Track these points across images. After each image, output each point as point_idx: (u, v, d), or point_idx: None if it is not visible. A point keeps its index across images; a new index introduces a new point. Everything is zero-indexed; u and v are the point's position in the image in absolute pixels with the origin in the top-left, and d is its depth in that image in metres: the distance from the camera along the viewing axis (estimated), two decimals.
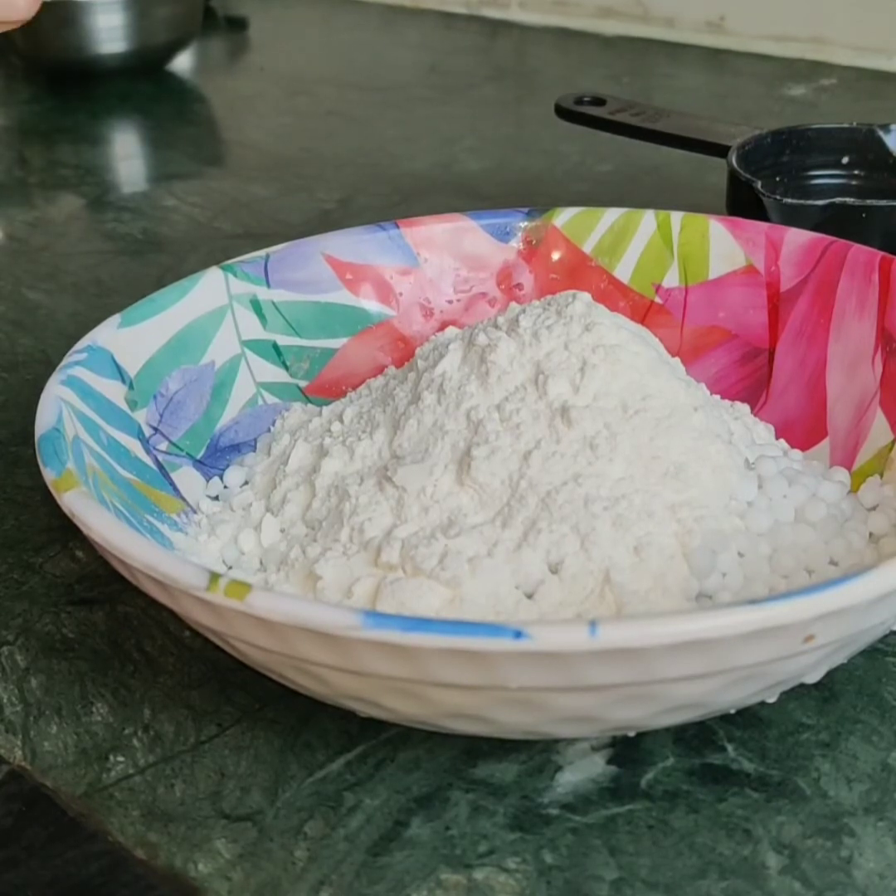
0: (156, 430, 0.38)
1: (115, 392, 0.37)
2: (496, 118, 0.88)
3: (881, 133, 0.56)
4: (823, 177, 0.57)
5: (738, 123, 0.58)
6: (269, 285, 0.43)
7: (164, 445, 0.38)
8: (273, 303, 0.43)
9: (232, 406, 0.42)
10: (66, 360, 0.37)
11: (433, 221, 0.46)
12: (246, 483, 0.40)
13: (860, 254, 0.41)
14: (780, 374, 0.42)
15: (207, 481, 0.40)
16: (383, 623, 0.25)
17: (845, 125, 0.57)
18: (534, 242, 0.46)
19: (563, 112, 0.62)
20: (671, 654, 0.25)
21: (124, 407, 0.38)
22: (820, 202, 0.48)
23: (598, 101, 0.62)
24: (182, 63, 1.03)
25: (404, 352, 0.44)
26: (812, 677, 0.30)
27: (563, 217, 0.46)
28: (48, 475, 0.31)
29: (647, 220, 0.45)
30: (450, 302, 0.45)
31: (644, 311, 0.44)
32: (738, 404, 0.41)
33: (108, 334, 0.38)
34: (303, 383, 0.44)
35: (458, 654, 0.25)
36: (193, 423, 0.40)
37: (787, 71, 0.93)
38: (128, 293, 0.57)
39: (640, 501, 0.33)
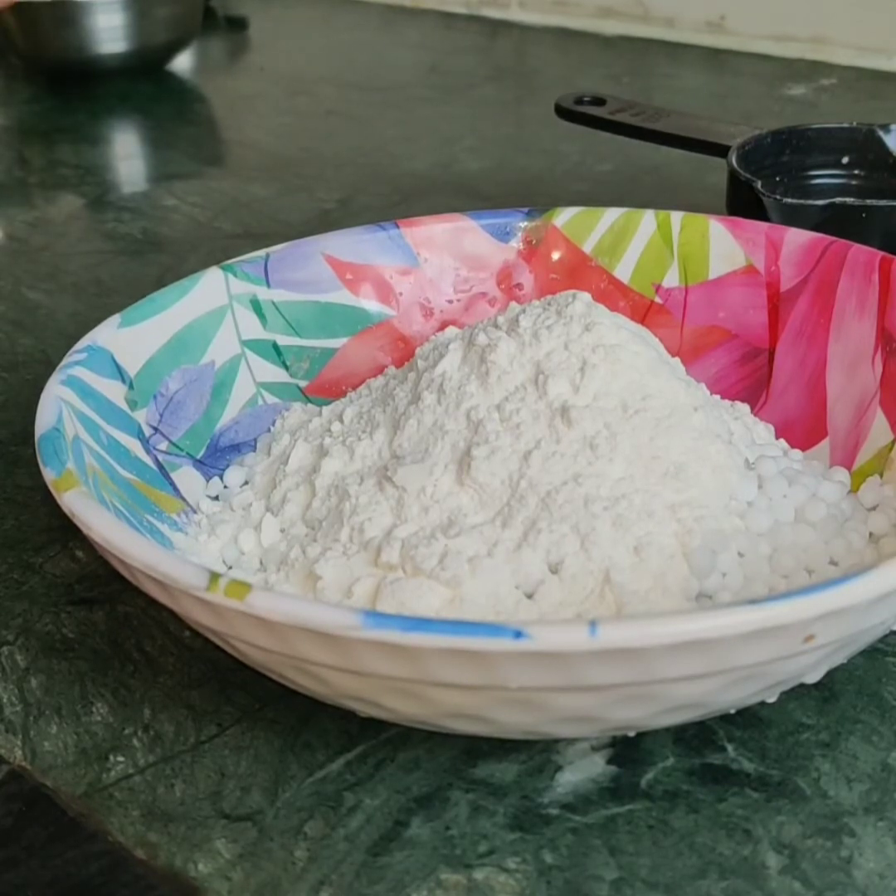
0: (156, 429, 0.38)
1: (115, 392, 0.37)
2: (496, 118, 0.88)
3: (881, 133, 0.56)
4: (823, 177, 0.57)
5: (738, 123, 0.58)
6: (269, 285, 0.43)
7: (164, 445, 0.38)
8: (273, 303, 0.43)
9: (232, 406, 0.42)
10: (66, 360, 0.37)
11: (433, 221, 0.46)
12: (246, 483, 0.40)
13: (860, 254, 0.41)
14: (780, 374, 0.42)
15: (207, 481, 0.40)
16: (383, 623, 0.25)
17: (845, 125, 0.57)
18: (534, 242, 0.46)
19: (563, 112, 0.63)
20: (671, 654, 0.25)
21: (124, 407, 0.38)
22: (820, 202, 0.48)
23: (598, 101, 0.62)
24: (182, 63, 1.03)
25: (404, 352, 0.44)
26: (812, 677, 0.30)
27: (563, 217, 0.46)
28: (48, 475, 0.31)
29: (647, 220, 0.45)
30: (450, 302, 0.46)
31: (644, 311, 0.44)
32: (738, 404, 0.41)
33: (108, 334, 0.38)
34: (303, 383, 0.44)
35: (458, 654, 0.25)
36: (193, 422, 0.40)
37: (787, 71, 0.93)
38: (128, 293, 0.57)
39: (640, 501, 0.33)
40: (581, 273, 0.45)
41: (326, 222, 0.67)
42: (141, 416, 0.38)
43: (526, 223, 0.46)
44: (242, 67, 1.11)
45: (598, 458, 0.33)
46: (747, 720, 0.32)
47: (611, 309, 0.38)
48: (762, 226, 0.44)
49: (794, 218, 0.46)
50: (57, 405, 0.34)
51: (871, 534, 0.35)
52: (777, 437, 0.40)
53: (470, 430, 0.35)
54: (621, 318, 0.38)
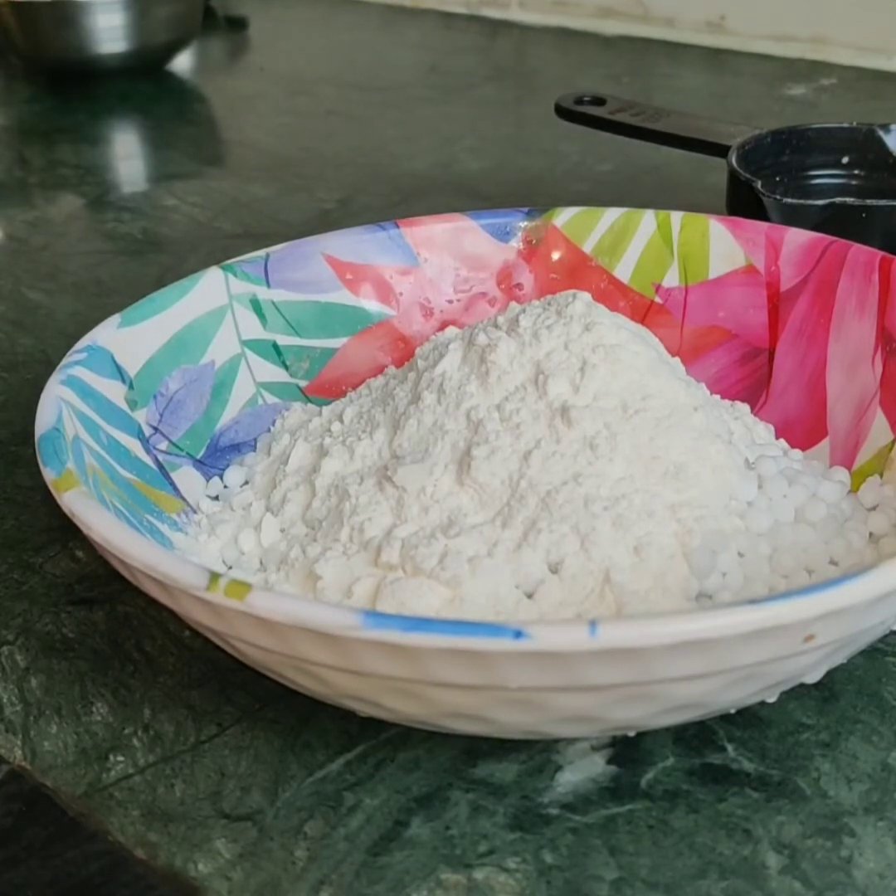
0: (156, 429, 0.38)
1: (115, 392, 0.37)
2: (496, 118, 0.88)
3: (881, 133, 0.56)
4: (823, 177, 0.57)
5: (738, 123, 0.58)
6: (269, 285, 0.43)
7: (164, 445, 0.38)
8: (273, 303, 0.43)
9: (232, 406, 0.42)
10: (66, 359, 0.37)
11: (433, 221, 0.46)
12: (246, 483, 0.40)
13: (860, 254, 0.41)
14: (780, 373, 0.42)
15: (207, 481, 0.40)
16: (383, 623, 0.25)
17: (845, 125, 0.57)
18: (534, 242, 0.46)
19: (563, 112, 0.63)
20: (671, 654, 0.25)
21: (124, 407, 0.38)
22: (820, 202, 0.48)
23: (598, 101, 0.62)
24: (182, 63, 1.03)
25: (404, 352, 0.44)
26: (812, 677, 0.30)
27: (563, 217, 0.46)
28: (48, 475, 0.31)
29: (647, 219, 0.45)
30: (450, 302, 0.46)
31: (644, 310, 0.44)
32: (738, 404, 0.41)
33: (108, 334, 0.38)
34: (303, 383, 0.44)
35: (458, 654, 0.25)
36: (193, 422, 0.40)
37: (787, 71, 0.93)
38: (128, 293, 0.57)
39: (640, 501, 0.33)
40: (581, 273, 0.45)
41: (326, 222, 0.67)
42: (141, 415, 0.38)
43: (526, 223, 0.46)
44: (242, 67, 1.11)
45: (598, 458, 0.33)
46: (747, 720, 0.32)
47: (611, 309, 0.38)
48: (762, 226, 0.44)
49: (794, 218, 0.46)
50: (57, 405, 0.34)
51: (871, 534, 0.35)
52: (777, 437, 0.40)
53: (470, 429, 0.35)
54: (621, 318, 0.38)
